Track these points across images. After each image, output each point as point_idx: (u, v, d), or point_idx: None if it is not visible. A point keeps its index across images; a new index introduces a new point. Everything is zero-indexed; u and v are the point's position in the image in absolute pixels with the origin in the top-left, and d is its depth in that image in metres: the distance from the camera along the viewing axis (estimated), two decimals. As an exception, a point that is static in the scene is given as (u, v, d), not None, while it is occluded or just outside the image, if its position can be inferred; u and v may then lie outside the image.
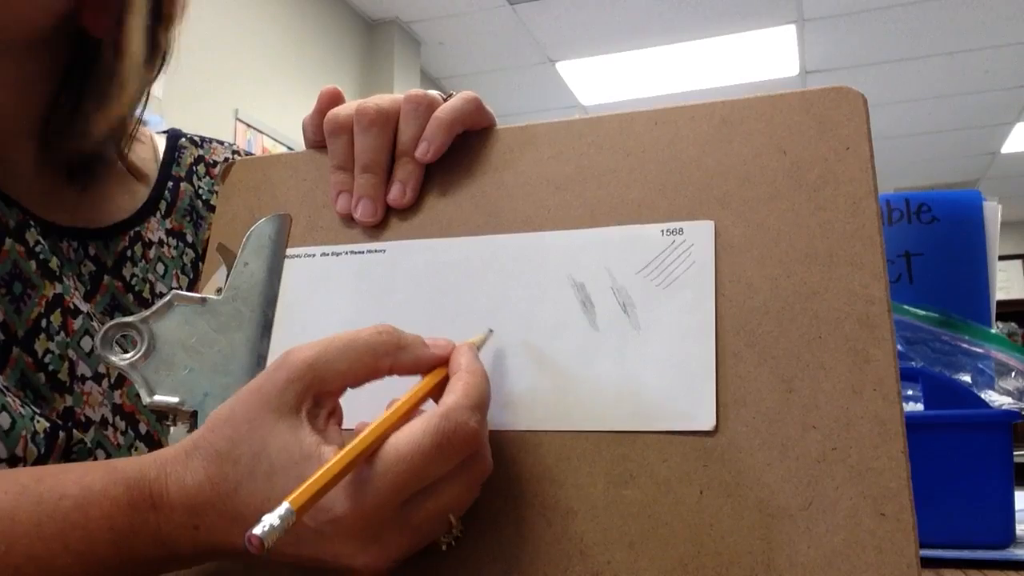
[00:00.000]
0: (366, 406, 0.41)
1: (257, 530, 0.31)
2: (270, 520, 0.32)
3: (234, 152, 0.76)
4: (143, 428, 0.59)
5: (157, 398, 0.47)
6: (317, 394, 0.39)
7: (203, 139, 0.75)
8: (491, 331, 0.46)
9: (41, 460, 0.51)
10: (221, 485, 0.38)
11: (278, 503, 0.33)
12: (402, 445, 0.36)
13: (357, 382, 0.40)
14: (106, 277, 0.62)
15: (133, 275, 0.63)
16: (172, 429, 0.47)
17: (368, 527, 0.36)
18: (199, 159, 0.73)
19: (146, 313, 0.48)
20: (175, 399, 0.47)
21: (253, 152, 0.80)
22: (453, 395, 0.39)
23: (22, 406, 0.51)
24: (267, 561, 0.39)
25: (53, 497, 0.39)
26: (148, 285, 0.64)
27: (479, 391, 0.40)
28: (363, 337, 0.39)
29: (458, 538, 0.42)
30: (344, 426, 0.41)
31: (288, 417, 0.38)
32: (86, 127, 0.59)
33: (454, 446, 0.37)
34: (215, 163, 0.74)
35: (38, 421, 0.52)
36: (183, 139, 0.74)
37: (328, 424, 0.39)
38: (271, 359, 0.49)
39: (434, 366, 0.42)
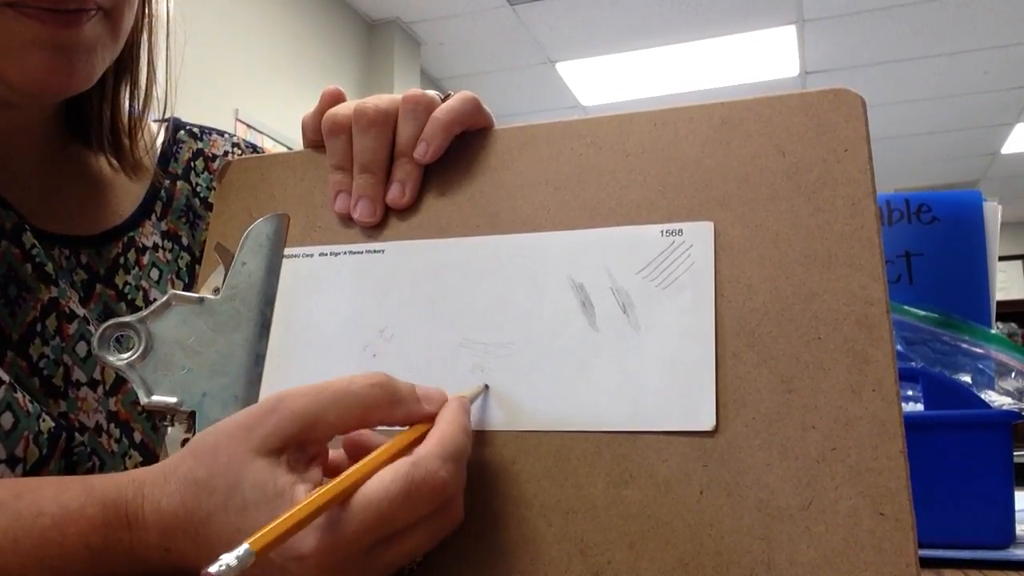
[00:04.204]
0: None
1: (213, 568, 0.31)
2: (227, 560, 0.31)
3: (234, 145, 0.75)
4: (137, 436, 0.59)
5: (155, 398, 0.47)
6: (302, 441, 0.39)
7: (203, 130, 0.74)
8: (487, 386, 0.45)
9: (42, 462, 0.51)
10: (195, 512, 0.38)
11: (247, 536, 0.33)
12: (370, 491, 0.36)
13: (345, 432, 0.40)
14: (98, 286, 0.61)
15: (126, 283, 0.62)
16: (170, 429, 0.47)
17: (331, 568, 0.36)
18: (198, 153, 0.71)
19: (144, 313, 0.48)
20: (173, 399, 0.47)
21: (254, 143, 0.79)
22: (427, 445, 0.39)
23: (30, 403, 0.51)
24: None
25: (31, 513, 0.39)
26: (141, 292, 0.63)
27: (455, 443, 0.39)
28: (356, 389, 0.39)
29: (420, 563, 0.42)
30: None
31: (267, 457, 0.38)
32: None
33: (423, 495, 0.37)
34: (214, 157, 0.72)
35: (44, 420, 0.51)
36: (182, 131, 0.72)
37: (308, 467, 0.39)
38: (269, 359, 0.49)
39: (424, 420, 0.41)
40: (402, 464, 0.37)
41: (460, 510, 0.41)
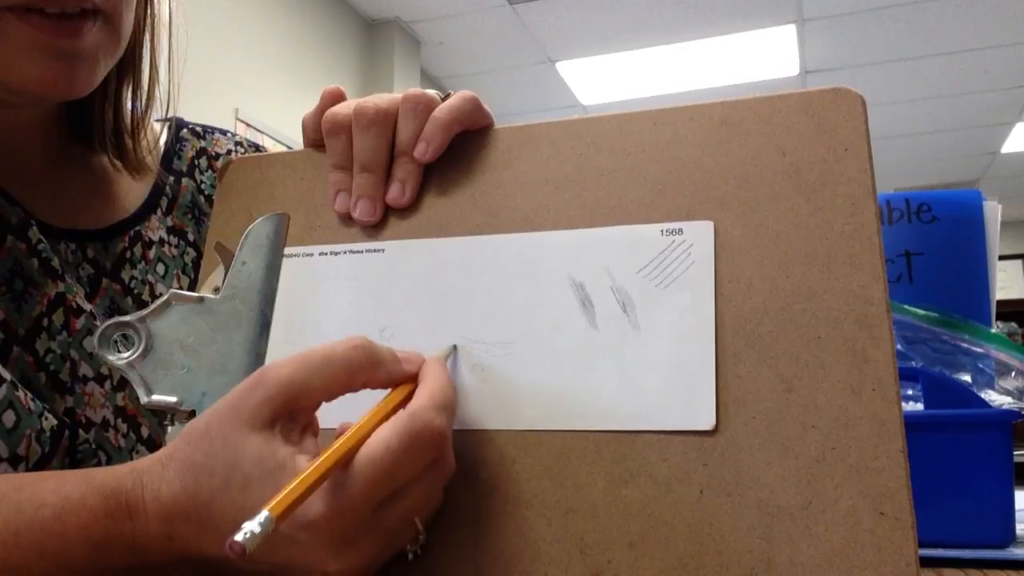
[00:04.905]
0: (343, 406, 0.41)
1: (239, 536, 0.32)
2: (250, 527, 0.32)
3: (237, 143, 0.75)
4: (145, 431, 0.59)
5: (155, 397, 0.47)
6: (292, 410, 0.39)
7: (205, 129, 0.74)
8: (455, 347, 0.46)
9: (44, 460, 0.51)
10: (196, 496, 0.38)
11: (254, 512, 0.33)
12: (373, 449, 0.37)
13: (331, 398, 0.41)
14: (104, 280, 0.61)
15: (132, 277, 0.62)
16: (170, 428, 0.47)
17: (341, 532, 0.37)
18: (201, 151, 0.72)
19: (144, 312, 0.48)
20: (173, 398, 0.47)
21: (256, 142, 0.79)
22: (419, 399, 0.40)
23: (32, 401, 0.51)
24: (240, 569, 0.39)
25: (32, 506, 0.39)
26: (147, 287, 0.63)
27: (444, 395, 0.40)
28: (339, 354, 0.40)
29: (424, 547, 0.42)
30: (324, 425, 0.41)
31: (262, 431, 0.38)
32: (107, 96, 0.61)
33: (422, 445, 0.38)
34: (218, 155, 0.73)
35: (46, 418, 0.51)
36: (184, 130, 0.72)
37: (303, 437, 0.40)
38: (269, 359, 0.49)
39: (406, 381, 0.42)
40: (399, 418, 0.38)
41: (452, 460, 0.41)
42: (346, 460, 0.37)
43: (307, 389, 0.39)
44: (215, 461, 0.38)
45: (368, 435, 0.38)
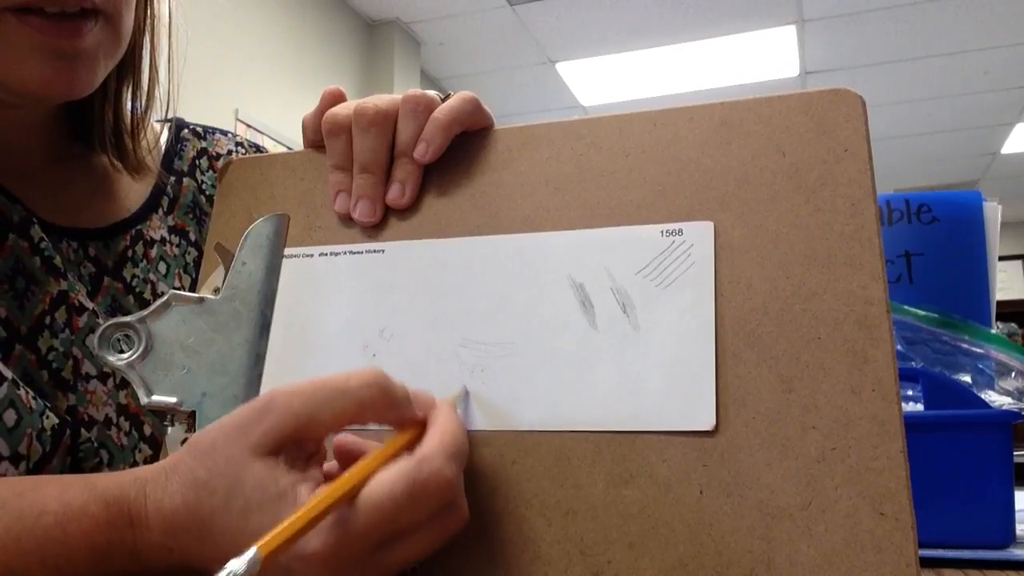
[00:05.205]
0: None
1: (220, 574, 0.31)
2: (235, 566, 0.31)
3: (238, 144, 0.75)
4: (147, 430, 0.59)
5: (155, 398, 0.47)
6: (299, 439, 0.39)
7: (206, 129, 0.75)
8: (466, 389, 0.45)
9: (45, 458, 0.51)
10: (197, 512, 0.38)
11: (253, 538, 0.33)
12: (376, 491, 0.36)
13: (339, 430, 0.40)
14: (106, 279, 0.61)
15: (134, 276, 0.63)
16: (170, 429, 0.47)
17: (337, 568, 0.37)
18: (202, 152, 0.72)
19: (144, 313, 0.48)
20: (173, 399, 0.47)
21: (257, 143, 0.79)
22: (429, 444, 0.39)
23: (33, 399, 0.51)
24: None
25: (33, 513, 0.39)
26: (149, 286, 0.63)
27: (456, 442, 0.39)
28: (353, 389, 0.39)
29: (421, 563, 0.41)
30: None
31: (265, 458, 0.38)
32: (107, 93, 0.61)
33: (428, 494, 0.37)
34: (218, 156, 0.73)
35: (47, 417, 0.52)
36: (185, 130, 0.73)
37: (308, 465, 0.39)
38: (269, 359, 0.49)
39: (415, 424, 0.41)
40: (406, 463, 0.37)
41: (465, 510, 0.40)
42: (343, 502, 0.36)
43: (316, 421, 0.39)
44: (217, 480, 0.38)
45: (367, 478, 0.37)
